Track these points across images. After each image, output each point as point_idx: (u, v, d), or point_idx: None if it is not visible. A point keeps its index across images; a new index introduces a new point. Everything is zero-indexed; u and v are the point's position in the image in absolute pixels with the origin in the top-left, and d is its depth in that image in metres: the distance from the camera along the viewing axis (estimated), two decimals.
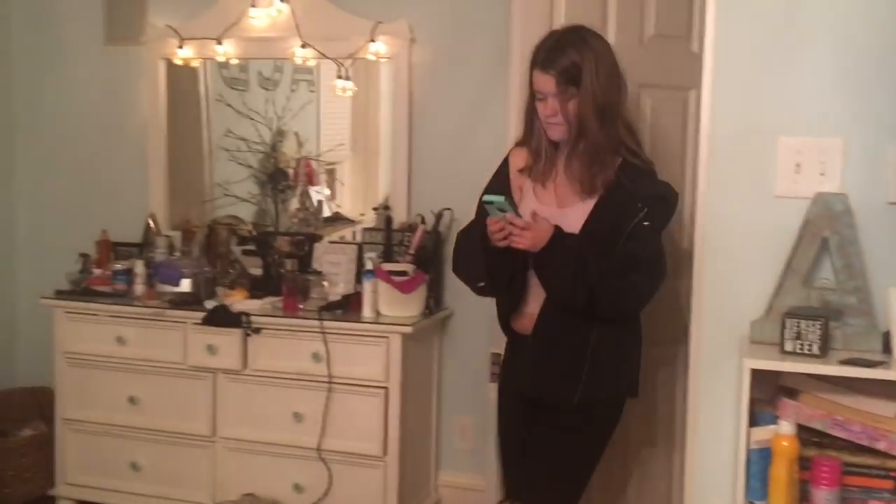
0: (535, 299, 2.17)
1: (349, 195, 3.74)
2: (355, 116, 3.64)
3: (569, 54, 2.03)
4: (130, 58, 3.66)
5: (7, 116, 3.85)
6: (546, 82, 2.05)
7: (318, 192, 3.67)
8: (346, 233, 3.58)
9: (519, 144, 2.26)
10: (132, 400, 3.21)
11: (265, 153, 3.67)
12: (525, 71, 2.15)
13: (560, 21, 2.48)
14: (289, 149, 3.68)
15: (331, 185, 3.75)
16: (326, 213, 3.68)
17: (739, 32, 1.91)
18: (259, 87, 3.66)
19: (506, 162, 2.28)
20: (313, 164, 3.66)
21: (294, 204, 3.65)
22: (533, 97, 2.12)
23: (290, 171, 3.68)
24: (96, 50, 3.73)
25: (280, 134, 3.66)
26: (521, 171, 2.21)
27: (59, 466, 3.35)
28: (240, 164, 3.67)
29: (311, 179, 3.68)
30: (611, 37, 2.38)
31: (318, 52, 3.36)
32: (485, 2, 3.16)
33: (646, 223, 2.06)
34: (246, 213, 3.70)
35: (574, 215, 2.11)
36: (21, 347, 3.89)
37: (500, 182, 2.23)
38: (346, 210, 3.71)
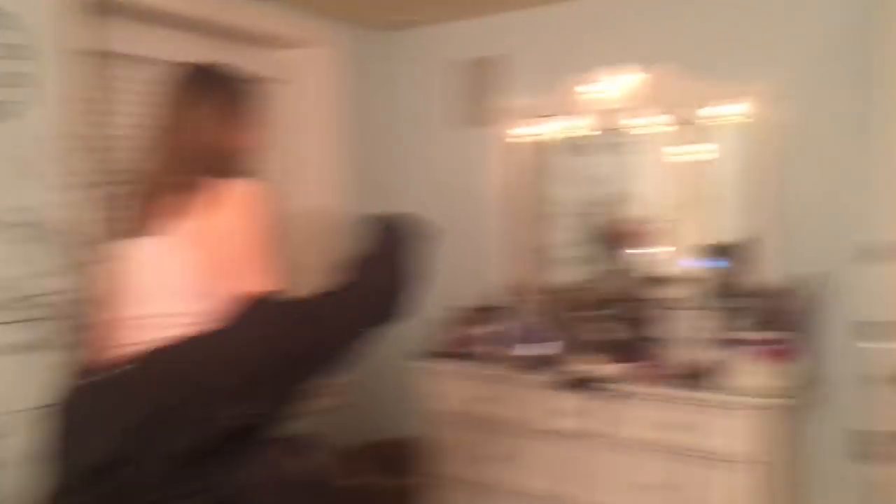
0: None
1: (682, 255, 3.68)
2: (690, 177, 3.59)
3: None
4: (481, 138, 4.00)
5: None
6: None
7: (649, 253, 3.66)
8: (684, 294, 3.52)
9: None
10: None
11: (596, 214, 3.78)
12: None
13: None
14: (621, 210, 3.75)
15: (663, 246, 3.71)
16: (661, 273, 3.65)
17: None
18: (593, 151, 3.77)
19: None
20: (645, 224, 3.67)
21: (625, 265, 3.69)
22: None
23: (623, 232, 3.73)
24: (449, 133, 4.13)
25: (611, 195, 3.74)
26: None
27: None
28: (568, 229, 3.84)
29: (641, 240, 3.69)
30: None
31: (669, 118, 3.45)
32: (845, 59, 3.05)
33: None
34: (580, 275, 3.81)
35: None
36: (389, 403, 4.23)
37: None
38: (679, 271, 3.65)
